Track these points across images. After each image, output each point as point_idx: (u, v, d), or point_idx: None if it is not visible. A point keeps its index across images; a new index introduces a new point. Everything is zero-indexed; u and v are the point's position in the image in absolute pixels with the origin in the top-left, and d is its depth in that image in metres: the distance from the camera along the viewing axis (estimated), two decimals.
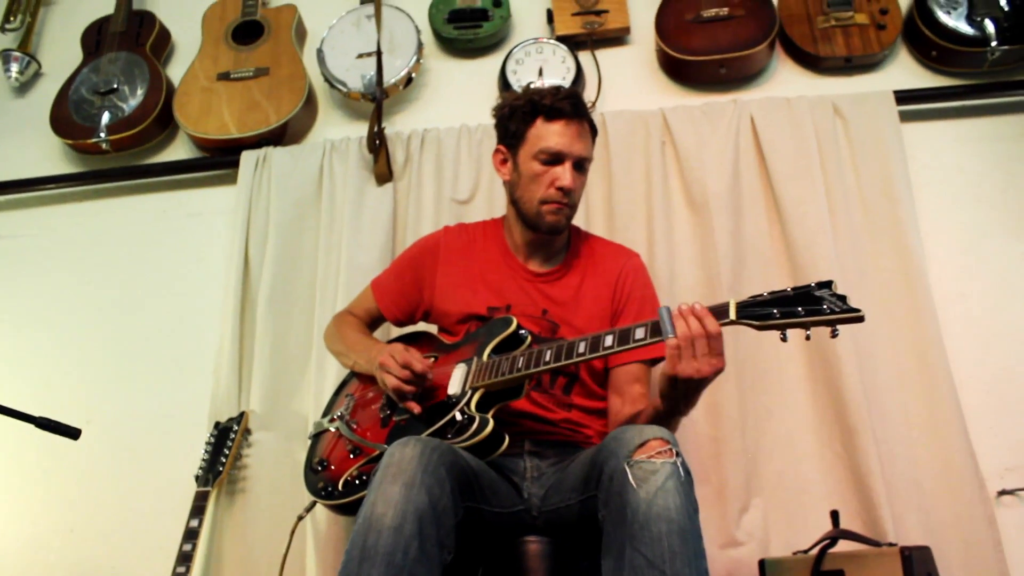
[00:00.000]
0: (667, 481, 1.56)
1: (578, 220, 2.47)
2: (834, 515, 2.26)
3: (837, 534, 2.20)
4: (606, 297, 2.18)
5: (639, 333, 1.75)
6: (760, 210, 2.76)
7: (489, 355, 1.98)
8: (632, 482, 1.56)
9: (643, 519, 1.53)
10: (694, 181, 2.78)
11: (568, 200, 2.12)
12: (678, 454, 1.61)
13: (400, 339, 2.32)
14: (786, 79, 3.01)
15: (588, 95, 2.98)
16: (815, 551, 2.16)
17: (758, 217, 2.75)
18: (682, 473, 1.59)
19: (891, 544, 2.18)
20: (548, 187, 2.11)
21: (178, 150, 3.26)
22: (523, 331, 2.01)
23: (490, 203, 2.83)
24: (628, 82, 3.08)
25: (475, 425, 1.85)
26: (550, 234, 2.17)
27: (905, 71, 2.98)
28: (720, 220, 2.71)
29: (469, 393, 1.93)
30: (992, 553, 2.38)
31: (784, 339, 1.62)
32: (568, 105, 2.10)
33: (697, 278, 2.69)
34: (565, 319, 2.14)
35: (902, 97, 2.85)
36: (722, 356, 1.71)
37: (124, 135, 3.12)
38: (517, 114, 2.15)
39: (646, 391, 2.10)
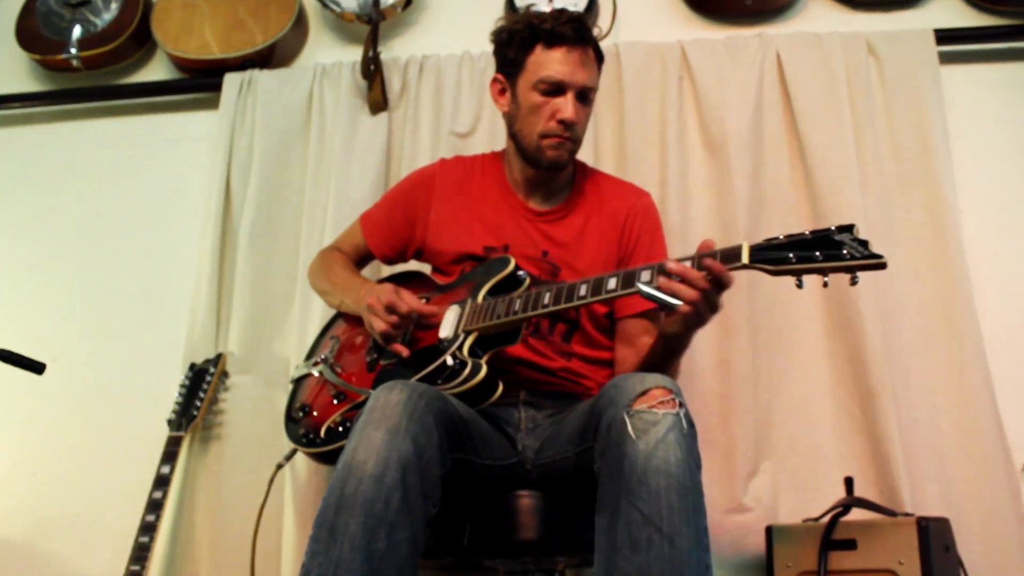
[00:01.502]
0: (668, 433, 1.57)
1: (586, 159, 2.46)
2: (848, 482, 2.29)
3: (850, 502, 2.23)
4: (612, 239, 2.18)
5: (646, 275, 1.76)
6: (783, 154, 2.76)
7: (484, 297, 2.00)
8: (631, 433, 1.57)
9: (641, 472, 1.54)
10: (712, 120, 2.77)
11: (570, 134, 2.11)
12: (682, 404, 1.62)
13: (390, 278, 2.34)
14: (817, 13, 2.98)
15: (602, 24, 2.97)
16: (826, 519, 2.18)
17: (780, 161, 2.75)
18: (685, 425, 1.60)
19: (907, 514, 2.20)
20: (548, 119, 2.10)
21: (155, 70, 3.24)
22: (521, 272, 2.02)
23: (492, 137, 2.83)
24: (645, 12, 3.05)
25: (467, 370, 1.86)
26: (551, 170, 2.18)
27: (947, 8, 2.94)
28: (739, 163, 2.71)
29: (462, 337, 1.95)
30: (1015, 528, 2.41)
31: (800, 285, 1.63)
32: (570, 30, 2.08)
33: (712, 224, 2.69)
34: (567, 261, 2.15)
35: (943, 36, 2.83)
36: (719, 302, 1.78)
37: (97, 52, 3.10)
38: (515, 40, 2.14)
39: (653, 341, 2.11)
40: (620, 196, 2.26)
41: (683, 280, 1.71)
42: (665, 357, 1.92)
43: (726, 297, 2.58)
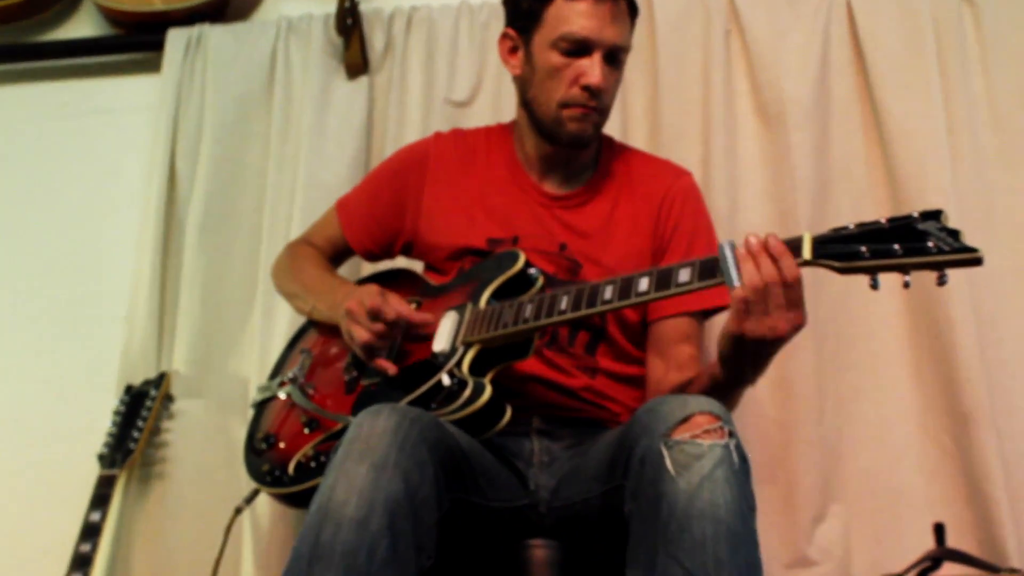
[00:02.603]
0: (716, 469, 1.57)
1: (613, 132, 2.47)
2: (938, 529, 2.28)
3: (941, 554, 2.22)
4: (646, 228, 2.19)
5: (684, 275, 1.74)
6: (854, 125, 2.77)
7: (488, 301, 2.01)
8: (670, 468, 1.57)
9: (682, 517, 1.54)
10: (767, 84, 2.78)
11: (596, 103, 2.12)
12: (732, 434, 1.62)
13: (373, 278, 2.36)
14: None
15: None
16: (912, 575, 2.19)
17: (851, 134, 2.76)
18: (736, 459, 1.60)
19: (1014, 570, 2.21)
20: (571, 85, 2.11)
21: (83, 25, 3.27)
22: (533, 270, 2.03)
23: (496, 106, 2.86)
24: None
25: (467, 392, 1.87)
26: (572, 147, 2.18)
27: None
28: (799, 136, 2.71)
29: (461, 350, 1.95)
30: None
31: (875, 286, 1.62)
32: None
33: (767, 212, 2.71)
34: (590, 256, 2.16)
35: None
36: (802, 308, 1.71)
37: (9, 2, 3.12)
38: None
39: (697, 353, 2.12)
40: (655, 177, 2.27)
41: (754, 257, 1.68)
42: (726, 386, 1.89)
43: None
